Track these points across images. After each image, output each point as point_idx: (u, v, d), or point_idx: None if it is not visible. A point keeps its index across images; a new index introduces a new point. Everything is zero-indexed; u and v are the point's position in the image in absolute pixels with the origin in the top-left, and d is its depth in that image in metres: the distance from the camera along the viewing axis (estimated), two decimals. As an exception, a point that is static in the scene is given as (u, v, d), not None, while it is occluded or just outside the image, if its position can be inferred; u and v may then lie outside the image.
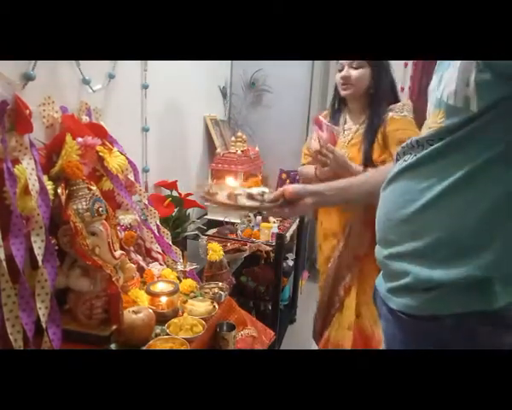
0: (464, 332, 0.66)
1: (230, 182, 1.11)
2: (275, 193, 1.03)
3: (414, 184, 0.70)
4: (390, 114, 1.37)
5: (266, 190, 1.07)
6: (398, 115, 1.36)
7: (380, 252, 0.80)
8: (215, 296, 1.19)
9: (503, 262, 0.64)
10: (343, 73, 1.40)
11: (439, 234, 0.67)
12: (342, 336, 1.47)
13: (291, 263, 2.51)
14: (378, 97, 1.40)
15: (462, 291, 0.65)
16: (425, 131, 0.71)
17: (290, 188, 1.01)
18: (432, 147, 0.68)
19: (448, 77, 0.66)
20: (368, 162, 1.36)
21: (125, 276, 1.08)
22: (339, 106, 1.54)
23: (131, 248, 1.25)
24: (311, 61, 2.47)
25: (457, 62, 0.64)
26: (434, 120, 0.69)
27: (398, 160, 0.78)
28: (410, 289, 0.71)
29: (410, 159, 0.73)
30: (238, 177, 2.03)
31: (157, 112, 1.72)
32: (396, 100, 1.42)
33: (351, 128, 1.48)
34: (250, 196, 1.04)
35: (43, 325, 0.83)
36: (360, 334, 1.45)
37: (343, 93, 1.44)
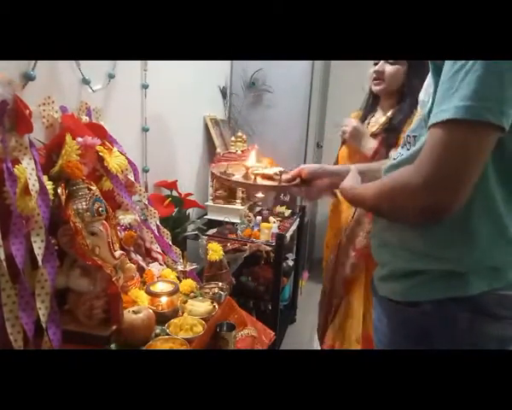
0: (444, 318, 0.69)
1: (248, 162, 1.10)
2: (292, 172, 1.02)
3: None
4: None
5: (282, 169, 1.07)
6: None
7: (372, 241, 0.86)
8: (215, 296, 1.19)
9: (473, 258, 0.67)
10: (377, 67, 1.36)
11: (417, 228, 0.70)
12: (348, 347, 1.46)
13: (291, 263, 2.51)
14: (410, 94, 1.35)
15: (440, 278, 0.69)
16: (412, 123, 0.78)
17: (307, 167, 1.01)
18: (410, 151, 0.72)
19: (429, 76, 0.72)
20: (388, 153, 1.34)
21: (125, 276, 1.08)
22: (372, 102, 1.50)
23: (131, 248, 1.25)
24: (311, 61, 2.47)
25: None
26: (418, 113, 0.76)
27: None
28: (393, 277, 0.76)
29: (397, 157, 0.78)
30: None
31: (157, 112, 1.72)
32: None
33: (378, 120, 1.46)
34: (267, 176, 1.03)
35: (43, 325, 0.83)
36: (363, 340, 1.44)
37: (374, 88, 1.41)
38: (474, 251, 0.66)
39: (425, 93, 0.70)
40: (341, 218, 1.53)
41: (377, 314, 0.85)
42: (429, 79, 0.69)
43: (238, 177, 1.05)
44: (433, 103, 0.62)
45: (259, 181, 1.04)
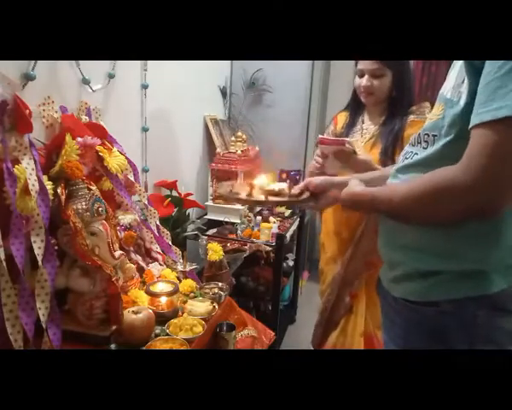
0: (463, 317, 0.68)
1: (260, 181, 1.10)
2: (299, 186, 1.02)
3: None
4: (411, 116, 1.35)
5: (285, 185, 1.07)
6: (419, 118, 1.33)
7: (381, 241, 0.83)
8: (215, 297, 1.19)
9: (497, 257, 0.66)
10: (364, 82, 1.36)
11: (436, 228, 0.69)
12: (351, 344, 1.45)
13: (291, 263, 2.51)
14: (399, 100, 1.36)
15: (461, 278, 0.68)
16: (425, 124, 0.75)
17: (314, 181, 1.00)
18: (428, 150, 0.71)
19: (452, 74, 0.70)
20: (388, 163, 1.32)
21: (125, 276, 1.08)
22: (357, 107, 1.50)
23: (131, 249, 1.25)
24: (311, 61, 2.47)
25: (461, 62, 0.66)
26: (434, 113, 0.73)
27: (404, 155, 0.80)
28: (409, 277, 0.74)
29: (410, 156, 0.76)
30: (238, 177, 2.04)
31: (157, 112, 1.72)
32: (413, 101, 1.39)
33: (368, 128, 1.45)
34: (273, 193, 1.04)
35: (43, 325, 0.83)
36: (365, 337, 1.44)
37: (364, 101, 1.42)
38: (499, 251, 0.66)
39: (452, 92, 0.67)
40: (336, 217, 1.50)
41: (388, 315, 0.84)
42: (457, 78, 0.67)
43: (245, 195, 1.05)
44: (469, 103, 0.61)
45: (269, 198, 1.04)
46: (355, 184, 0.85)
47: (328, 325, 1.53)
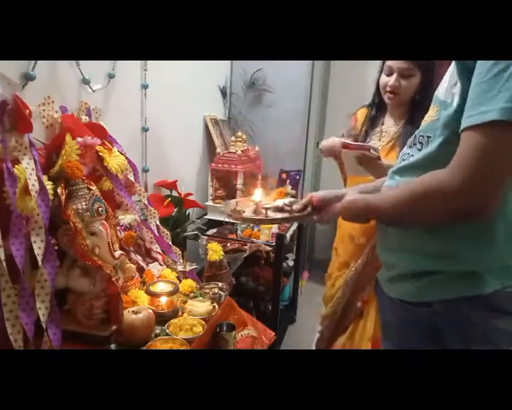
0: (456, 317, 0.68)
1: (256, 196, 1.11)
2: (302, 201, 1.01)
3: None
4: None
5: (291, 199, 1.07)
6: None
7: (378, 243, 0.84)
8: (215, 297, 1.19)
9: (490, 259, 0.67)
10: (392, 81, 1.33)
11: (428, 230, 0.70)
12: (359, 348, 1.44)
13: (291, 263, 2.51)
14: (421, 104, 1.31)
15: (453, 278, 0.68)
16: (421, 125, 0.75)
17: (317, 195, 1.00)
18: (422, 152, 0.71)
19: (446, 75, 0.70)
20: None
21: (125, 276, 1.08)
22: (380, 108, 1.47)
23: (131, 249, 1.25)
24: (311, 61, 2.47)
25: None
26: (430, 115, 0.73)
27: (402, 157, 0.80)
28: (404, 278, 0.75)
29: (406, 158, 0.76)
30: (238, 177, 2.04)
31: (157, 112, 1.72)
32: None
33: (388, 130, 1.43)
34: (278, 209, 1.03)
35: (43, 325, 0.83)
36: (372, 343, 1.44)
37: (388, 101, 1.39)
38: (492, 252, 0.66)
39: (445, 93, 0.68)
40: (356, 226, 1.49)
41: (385, 316, 0.84)
42: (451, 79, 0.67)
43: (250, 212, 1.05)
44: (461, 105, 0.61)
45: (271, 215, 1.04)
46: (350, 193, 0.85)
47: (337, 329, 1.53)
